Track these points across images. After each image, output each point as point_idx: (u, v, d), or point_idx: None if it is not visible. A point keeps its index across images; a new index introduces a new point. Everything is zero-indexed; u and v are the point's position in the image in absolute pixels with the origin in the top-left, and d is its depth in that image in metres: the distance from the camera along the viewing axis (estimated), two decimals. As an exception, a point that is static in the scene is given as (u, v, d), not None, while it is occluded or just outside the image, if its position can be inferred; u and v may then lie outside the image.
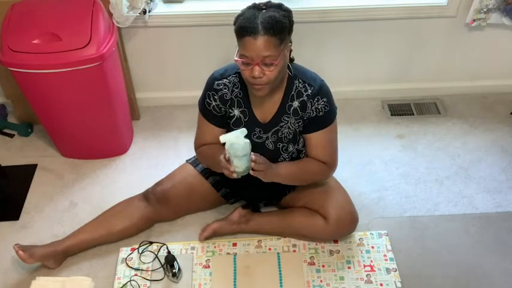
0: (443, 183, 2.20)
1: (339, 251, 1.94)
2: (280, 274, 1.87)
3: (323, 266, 1.89)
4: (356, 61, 2.51)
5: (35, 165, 2.33)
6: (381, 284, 1.83)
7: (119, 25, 2.11)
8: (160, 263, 1.89)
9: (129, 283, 1.85)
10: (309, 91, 1.66)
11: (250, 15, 1.48)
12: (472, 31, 2.39)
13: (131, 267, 1.90)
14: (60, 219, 2.09)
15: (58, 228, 2.05)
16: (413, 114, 2.56)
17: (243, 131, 1.56)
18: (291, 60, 1.66)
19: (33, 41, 1.91)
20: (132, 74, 2.50)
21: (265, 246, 1.95)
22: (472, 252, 1.93)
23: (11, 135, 2.49)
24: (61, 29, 1.93)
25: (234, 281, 1.85)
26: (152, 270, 1.89)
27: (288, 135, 1.73)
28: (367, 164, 2.30)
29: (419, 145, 2.39)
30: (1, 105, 2.56)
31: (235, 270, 1.89)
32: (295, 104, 1.68)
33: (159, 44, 2.38)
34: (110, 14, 2.08)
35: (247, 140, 1.54)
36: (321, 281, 1.84)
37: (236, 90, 1.69)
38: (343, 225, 1.86)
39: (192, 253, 1.94)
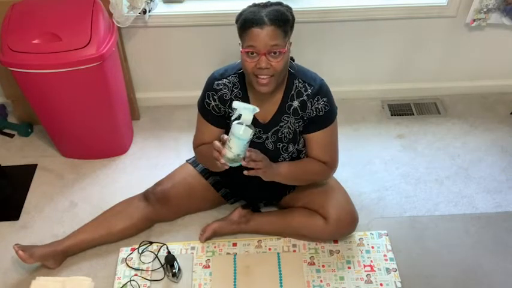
0: (443, 183, 2.20)
1: (339, 251, 1.94)
2: (280, 274, 1.87)
3: (323, 266, 1.89)
4: (356, 61, 2.51)
5: (35, 165, 2.33)
6: (381, 284, 1.83)
7: (119, 25, 2.11)
8: (160, 263, 1.89)
9: (129, 283, 1.85)
10: (309, 91, 1.66)
11: (254, 10, 1.50)
12: (472, 31, 2.39)
13: (131, 267, 1.90)
14: (60, 219, 2.09)
15: (58, 228, 2.06)
16: (413, 114, 2.56)
17: (255, 109, 1.46)
18: (291, 59, 1.66)
19: (33, 41, 1.91)
20: (132, 74, 2.50)
21: (265, 246, 1.95)
22: (472, 252, 1.93)
23: (11, 135, 2.49)
24: (61, 29, 1.92)
25: (234, 281, 1.85)
26: (152, 270, 1.89)
27: (288, 135, 1.73)
28: (367, 164, 2.30)
29: (419, 145, 2.39)
30: (1, 105, 2.56)
31: (235, 270, 1.89)
32: (295, 103, 1.68)
33: (159, 44, 2.38)
34: (110, 14, 2.08)
35: (253, 129, 1.46)
36: (321, 281, 1.84)
37: (236, 91, 1.69)
38: (343, 225, 1.86)
39: (192, 253, 1.94)
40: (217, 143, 1.51)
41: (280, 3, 1.55)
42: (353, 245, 1.95)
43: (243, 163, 1.52)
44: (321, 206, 1.85)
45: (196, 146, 1.84)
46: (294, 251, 1.94)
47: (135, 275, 1.88)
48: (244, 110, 1.44)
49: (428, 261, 1.91)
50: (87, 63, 1.92)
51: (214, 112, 1.73)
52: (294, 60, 1.69)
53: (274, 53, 1.49)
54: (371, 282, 1.84)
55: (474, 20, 2.28)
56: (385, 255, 1.92)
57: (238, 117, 1.45)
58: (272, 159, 1.69)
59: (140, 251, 1.95)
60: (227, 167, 1.52)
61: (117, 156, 2.37)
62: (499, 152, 2.34)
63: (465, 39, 2.42)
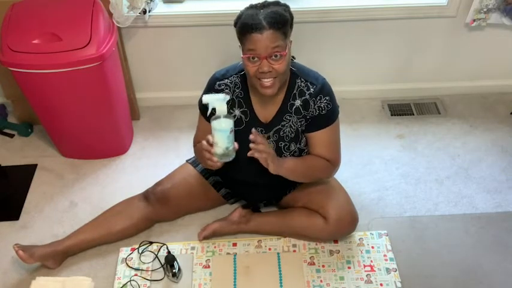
0: (443, 183, 2.21)
1: (339, 251, 1.94)
2: (280, 274, 1.87)
3: (323, 266, 1.89)
4: (356, 61, 2.51)
5: (35, 165, 2.33)
6: (381, 284, 1.83)
7: (119, 25, 2.11)
8: (160, 263, 1.89)
9: (129, 283, 1.85)
10: (311, 90, 1.66)
11: (251, 13, 1.49)
12: (472, 31, 2.39)
13: (131, 267, 1.90)
14: (60, 219, 2.09)
15: (58, 228, 2.05)
16: (413, 114, 2.56)
17: (226, 97, 1.48)
18: (292, 58, 1.66)
19: (33, 41, 1.91)
20: (132, 74, 2.50)
21: (265, 246, 1.95)
22: (472, 252, 1.93)
23: (11, 135, 2.49)
24: (61, 29, 1.93)
25: (234, 281, 1.85)
26: (152, 270, 1.89)
27: (290, 134, 1.73)
28: (367, 164, 2.30)
29: (419, 145, 2.39)
30: (1, 105, 2.56)
31: (235, 270, 1.89)
32: (298, 102, 1.68)
33: (159, 44, 2.38)
34: (110, 14, 2.08)
35: (231, 118, 1.47)
36: (321, 281, 1.84)
37: (237, 91, 1.69)
38: (343, 225, 1.86)
39: (192, 253, 1.94)
40: (205, 143, 1.54)
41: (277, 3, 1.54)
42: (353, 245, 1.95)
43: (250, 153, 1.53)
44: (321, 206, 1.84)
45: (195, 144, 1.84)
46: (294, 251, 1.94)
47: (135, 275, 1.88)
48: (217, 102, 1.47)
49: (428, 261, 1.91)
50: (87, 63, 1.92)
51: (214, 112, 1.73)
52: (295, 59, 1.69)
53: (275, 55, 1.49)
54: (371, 282, 1.84)
55: (474, 20, 2.28)
56: (385, 255, 1.92)
57: (214, 112, 1.48)
58: (274, 158, 1.69)
59: (140, 251, 1.95)
60: (220, 165, 1.57)
61: (117, 156, 2.37)
62: (499, 152, 2.34)
63: (465, 39, 2.42)
